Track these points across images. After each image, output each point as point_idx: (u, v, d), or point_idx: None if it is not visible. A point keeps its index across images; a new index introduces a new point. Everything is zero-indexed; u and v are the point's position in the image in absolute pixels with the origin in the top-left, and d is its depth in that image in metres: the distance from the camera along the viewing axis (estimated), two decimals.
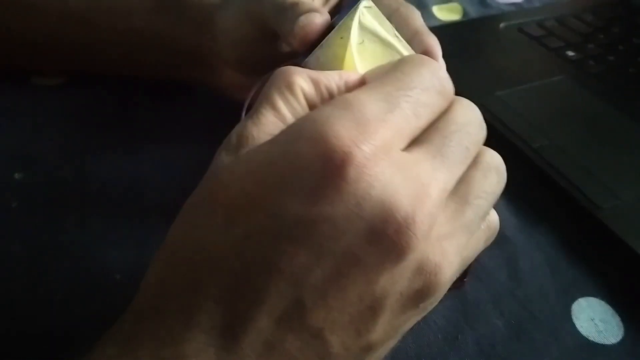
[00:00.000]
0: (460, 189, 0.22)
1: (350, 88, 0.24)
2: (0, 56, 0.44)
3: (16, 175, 0.38)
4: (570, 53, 0.53)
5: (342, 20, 0.29)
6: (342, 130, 0.19)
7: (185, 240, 0.21)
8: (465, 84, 0.47)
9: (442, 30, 0.58)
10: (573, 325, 0.32)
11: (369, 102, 0.20)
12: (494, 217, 0.25)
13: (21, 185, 0.37)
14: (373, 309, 0.20)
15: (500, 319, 0.32)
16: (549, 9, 0.63)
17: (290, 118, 0.23)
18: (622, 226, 0.36)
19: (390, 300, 0.20)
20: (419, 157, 0.21)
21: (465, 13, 0.63)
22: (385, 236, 0.19)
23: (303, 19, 0.31)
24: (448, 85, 0.23)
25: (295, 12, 0.32)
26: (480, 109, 0.47)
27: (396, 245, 0.19)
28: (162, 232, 0.35)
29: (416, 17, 0.34)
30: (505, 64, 0.52)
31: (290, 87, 0.23)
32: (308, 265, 0.19)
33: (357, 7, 0.29)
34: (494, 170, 0.24)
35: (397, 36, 0.29)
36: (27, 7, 0.41)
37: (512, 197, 0.39)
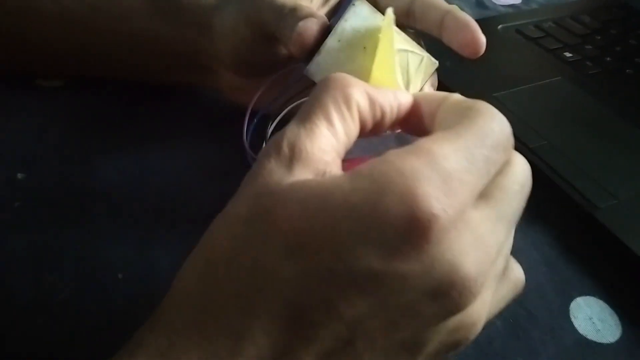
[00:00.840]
0: None
1: (402, 112, 0.25)
2: (1, 60, 0.44)
3: (19, 175, 0.38)
4: (567, 54, 0.54)
5: (337, 23, 0.29)
6: (430, 190, 0.19)
7: (235, 255, 0.20)
8: (463, 85, 0.48)
9: None
10: (571, 324, 0.33)
11: (452, 159, 0.20)
12: (518, 271, 0.25)
13: (24, 185, 0.38)
14: (412, 352, 0.21)
15: (498, 318, 0.32)
16: (546, 11, 0.64)
17: (342, 134, 0.23)
18: (619, 225, 0.36)
19: (429, 348, 0.21)
20: (485, 217, 0.21)
21: None
22: (449, 296, 0.19)
23: (300, 26, 0.31)
24: (512, 140, 0.23)
25: (294, 18, 0.32)
26: None
27: (457, 304, 0.20)
28: (164, 232, 0.35)
29: None
30: (502, 65, 0.53)
31: (347, 101, 0.23)
32: (368, 313, 0.19)
33: (350, 7, 0.29)
34: (514, 283, 0.25)
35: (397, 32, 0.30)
36: (26, 11, 0.41)
37: None
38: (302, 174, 0.21)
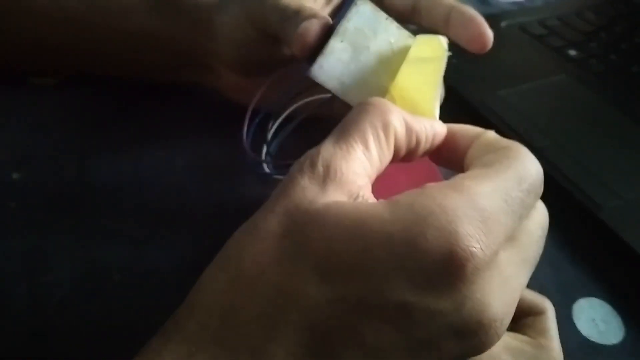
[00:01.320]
0: None
1: (436, 142, 0.25)
2: None
3: (14, 176, 0.38)
4: (572, 52, 0.53)
5: (340, 23, 0.29)
6: (470, 229, 0.19)
7: (263, 272, 0.20)
8: (467, 83, 0.47)
9: None
10: (574, 325, 0.32)
11: (492, 199, 0.20)
12: None
13: (19, 185, 0.37)
14: None
15: None
16: (550, 8, 0.63)
17: (376, 159, 0.23)
18: (623, 226, 0.36)
19: None
20: (512, 260, 0.21)
21: None
22: (475, 336, 0.20)
23: (302, 26, 0.31)
24: (542, 185, 0.23)
25: (297, 19, 0.32)
26: (481, 108, 0.47)
27: (482, 344, 0.20)
28: (161, 232, 0.35)
29: None
30: (506, 63, 0.52)
31: (385, 127, 0.23)
32: (392, 343, 0.19)
33: (352, 7, 0.29)
34: None
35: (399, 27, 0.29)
36: (22, 9, 0.41)
37: None
38: (335, 195, 0.21)
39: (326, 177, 0.21)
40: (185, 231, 0.35)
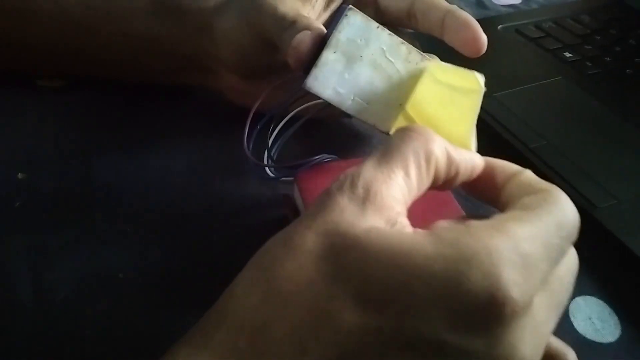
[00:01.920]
0: None
1: (474, 175, 0.25)
2: (1, 61, 0.44)
3: (19, 176, 0.38)
4: (567, 54, 0.54)
5: (332, 34, 0.30)
6: (513, 274, 0.19)
7: (298, 291, 0.20)
8: None
9: None
10: (570, 323, 0.33)
11: (533, 245, 0.20)
12: None
13: (24, 185, 0.38)
14: None
15: None
16: (546, 11, 0.64)
17: (415, 187, 0.23)
18: (619, 225, 0.36)
19: None
20: (544, 305, 0.21)
21: None
22: None
23: (295, 39, 0.31)
24: (578, 232, 0.23)
25: (294, 30, 0.32)
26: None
27: None
28: (164, 232, 0.35)
29: None
30: (503, 65, 0.53)
31: (428, 156, 0.23)
32: None
33: (342, 18, 0.29)
34: None
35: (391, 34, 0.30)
36: (26, 13, 0.41)
37: None
38: (374, 219, 0.21)
39: (366, 200, 0.21)
40: (189, 231, 0.36)
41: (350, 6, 0.29)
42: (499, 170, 0.25)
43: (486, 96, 0.42)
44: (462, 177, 0.25)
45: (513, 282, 0.19)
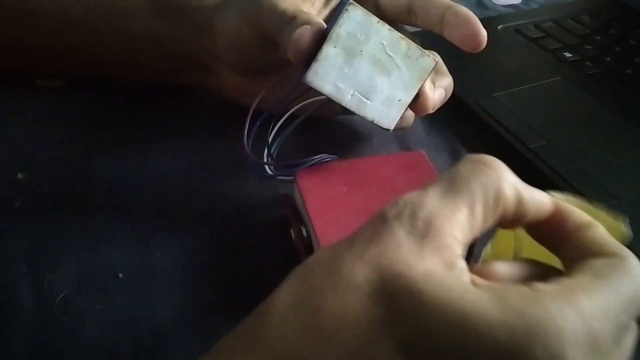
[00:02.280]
0: None
1: (542, 218, 0.23)
2: (1, 61, 0.44)
3: (19, 175, 0.38)
4: (567, 54, 0.54)
5: (332, 29, 0.30)
6: (578, 355, 0.18)
7: (342, 329, 0.19)
8: (463, 85, 0.48)
9: None
10: None
11: (603, 323, 0.19)
12: None
13: (24, 185, 0.38)
14: None
15: None
16: (546, 11, 0.64)
17: (478, 226, 0.21)
18: None
19: None
20: None
21: None
22: None
23: (295, 34, 0.31)
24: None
25: (294, 25, 0.32)
26: (478, 110, 0.48)
27: None
28: (164, 232, 0.35)
29: None
30: (503, 65, 0.53)
31: (497, 197, 0.21)
32: None
33: (343, 13, 0.29)
34: None
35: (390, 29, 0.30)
36: (26, 13, 0.41)
37: None
38: (432, 260, 0.19)
39: (425, 236, 0.20)
40: (189, 230, 0.36)
41: (351, 1, 0.29)
42: (569, 218, 0.23)
43: (486, 96, 0.42)
44: (529, 219, 0.23)
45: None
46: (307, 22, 0.32)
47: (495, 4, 0.66)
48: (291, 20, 0.33)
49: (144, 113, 0.44)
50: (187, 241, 0.35)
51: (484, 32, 0.34)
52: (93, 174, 0.39)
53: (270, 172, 0.37)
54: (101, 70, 0.45)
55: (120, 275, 0.33)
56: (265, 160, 0.36)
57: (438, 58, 0.34)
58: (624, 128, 0.45)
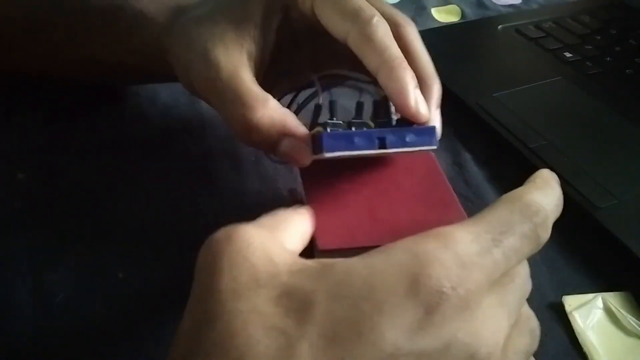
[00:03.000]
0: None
1: None
2: None
3: (19, 176, 0.38)
4: (567, 54, 0.54)
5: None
6: (440, 270, 0.20)
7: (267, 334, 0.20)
8: (463, 85, 0.48)
9: (440, 32, 0.58)
10: (569, 323, 0.33)
11: (465, 243, 0.22)
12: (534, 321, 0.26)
13: (24, 185, 0.38)
14: None
15: None
16: (546, 11, 0.64)
17: None
18: (619, 226, 0.36)
19: None
20: (495, 304, 0.22)
21: (463, 15, 0.64)
22: None
23: (283, 150, 0.30)
24: (541, 233, 0.24)
25: (239, 108, 0.30)
26: (478, 109, 0.48)
27: None
28: (164, 232, 0.35)
29: (417, 38, 0.33)
30: (502, 65, 0.53)
31: None
32: None
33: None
34: (529, 333, 0.25)
35: None
36: None
37: None
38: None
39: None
40: (188, 230, 0.36)
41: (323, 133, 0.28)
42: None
43: (486, 96, 0.42)
44: None
45: (440, 277, 0.20)
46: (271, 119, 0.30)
47: (495, 3, 0.66)
48: (233, 100, 0.30)
49: (144, 113, 0.44)
50: (186, 241, 0.35)
51: (422, 109, 0.29)
52: (93, 174, 0.39)
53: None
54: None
55: (120, 275, 0.33)
56: None
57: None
58: (624, 128, 0.45)
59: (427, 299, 0.20)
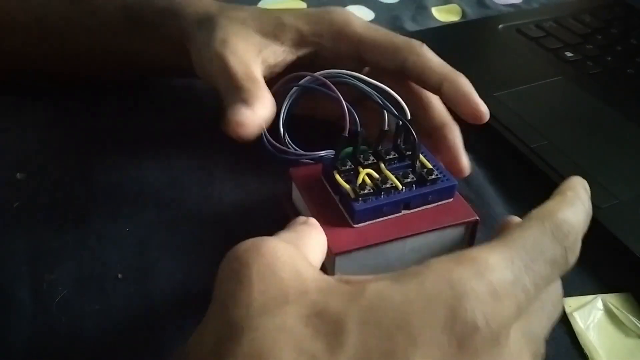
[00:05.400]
0: None
1: None
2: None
3: (18, 175, 0.38)
4: (568, 54, 0.54)
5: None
6: (475, 303, 0.20)
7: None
8: None
9: (441, 32, 0.58)
10: (569, 324, 0.33)
11: (505, 273, 0.21)
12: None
13: (23, 185, 0.38)
14: None
15: None
16: (547, 10, 0.64)
17: None
18: (619, 226, 0.36)
19: None
20: (519, 336, 0.22)
21: (464, 14, 0.63)
22: None
23: (235, 115, 0.30)
24: (570, 257, 0.24)
25: (235, 99, 0.31)
26: None
27: None
28: (164, 232, 0.35)
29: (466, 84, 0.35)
30: (503, 64, 0.53)
31: None
32: None
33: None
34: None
35: None
36: (6, 26, 0.41)
37: (510, 197, 0.40)
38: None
39: None
40: (188, 231, 0.36)
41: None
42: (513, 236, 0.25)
43: (487, 96, 0.42)
44: None
45: (475, 310, 0.20)
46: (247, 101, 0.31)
47: (495, 3, 0.66)
48: (235, 91, 0.32)
49: (144, 113, 0.44)
50: (186, 241, 0.35)
51: (484, 110, 0.34)
52: (92, 174, 0.39)
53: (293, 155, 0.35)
54: (81, 73, 0.45)
55: (120, 275, 0.33)
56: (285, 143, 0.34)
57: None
58: (625, 128, 0.45)
59: (461, 333, 0.19)
